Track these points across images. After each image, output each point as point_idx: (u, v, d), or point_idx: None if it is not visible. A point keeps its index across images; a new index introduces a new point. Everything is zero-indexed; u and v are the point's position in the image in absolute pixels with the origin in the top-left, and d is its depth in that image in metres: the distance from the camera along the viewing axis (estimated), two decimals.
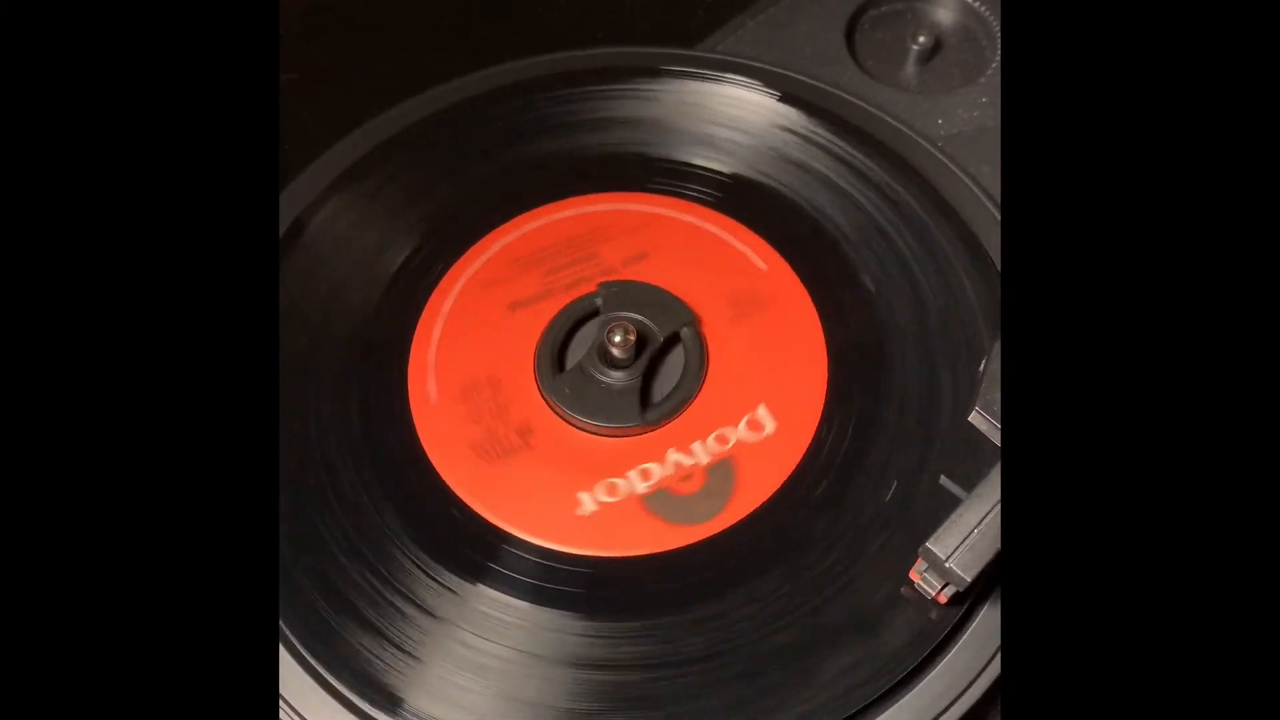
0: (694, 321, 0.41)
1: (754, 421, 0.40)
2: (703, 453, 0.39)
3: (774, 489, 0.38)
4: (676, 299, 0.41)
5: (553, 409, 0.40)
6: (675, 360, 0.41)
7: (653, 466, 0.39)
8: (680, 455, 0.39)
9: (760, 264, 0.43)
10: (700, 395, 0.40)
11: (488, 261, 0.43)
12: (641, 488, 0.39)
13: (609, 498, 0.38)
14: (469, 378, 0.41)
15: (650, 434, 0.40)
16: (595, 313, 0.42)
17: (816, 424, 0.39)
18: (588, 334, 0.42)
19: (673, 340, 0.41)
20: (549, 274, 0.43)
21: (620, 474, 0.39)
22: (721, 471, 0.39)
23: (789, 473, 0.38)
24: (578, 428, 0.40)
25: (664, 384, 0.41)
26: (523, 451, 0.39)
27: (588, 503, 0.38)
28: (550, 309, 0.42)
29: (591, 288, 0.42)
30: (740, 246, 0.44)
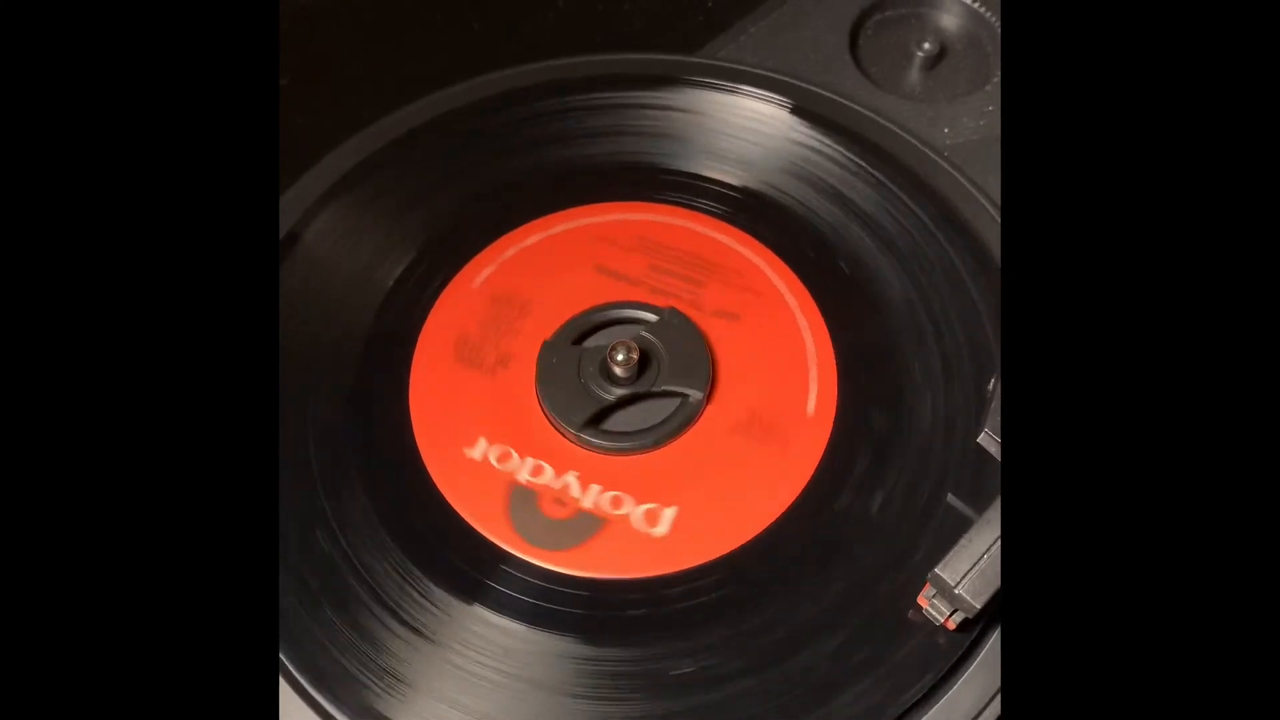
0: (702, 399, 0.40)
1: (652, 515, 0.38)
2: (589, 498, 0.38)
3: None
4: (709, 365, 0.40)
5: (590, 449, 0.39)
6: (659, 410, 0.40)
7: (547, 469, 0.38)
8: (575, 482, 0.38)
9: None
10: (644, 458, 0.39)
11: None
12: (522, 477, 0.38)
13: (495, 461, 0.38)
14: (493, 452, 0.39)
15: (579, 449, 0.39)
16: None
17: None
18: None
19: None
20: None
21: (521, 454, 0.38)
22: (587, 524, 0.37)
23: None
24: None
25: (631, 419, 0.40)
26: (489, 374, 0.40)
27: (479, 450, 0.38)
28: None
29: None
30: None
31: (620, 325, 0.41)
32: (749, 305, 0.42)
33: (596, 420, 0.39)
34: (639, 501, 0.38)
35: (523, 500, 0.38)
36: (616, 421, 0.40)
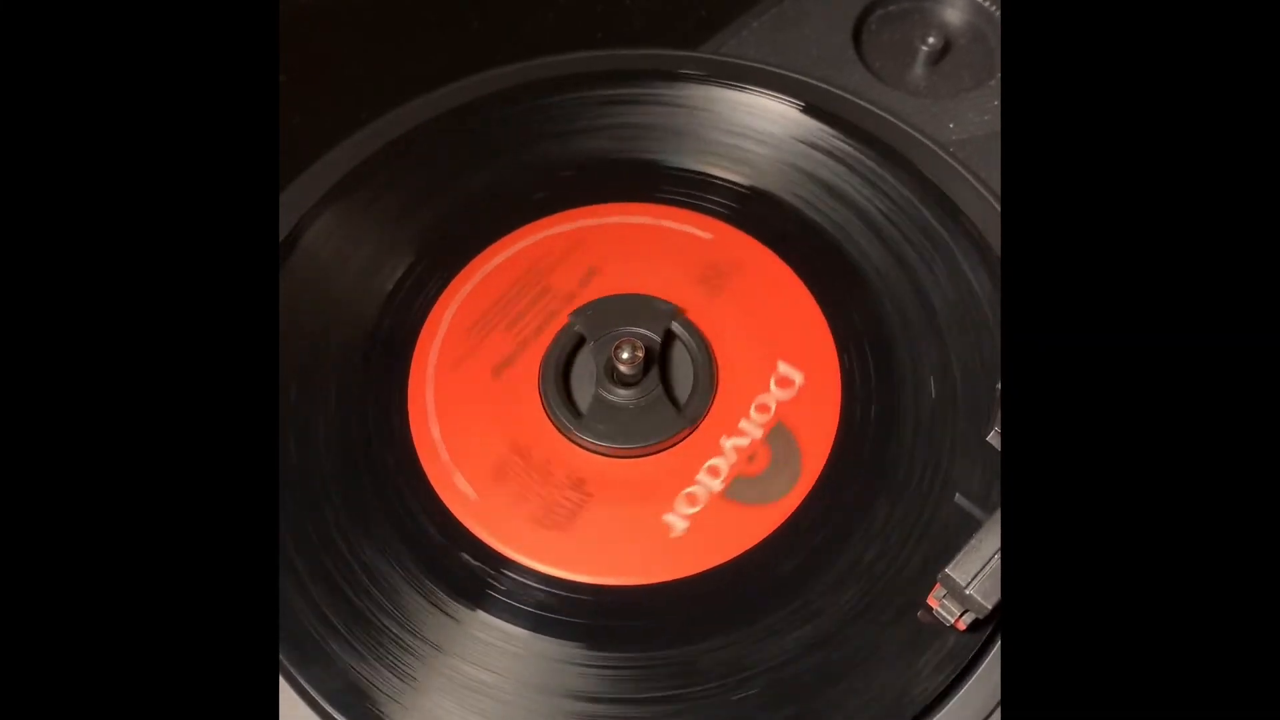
0: (677, 311, 0.40)
1: (782, 379, 0.39)
2: (753, 427, 0.38)
3: (832, 435, 0.38)
4: (651, 297, 0.41)
5: (594, 451, 0.39)
6: (678, 357, 0.41)
7: (717, 461, 0.38)
8: (735, 439, 0.38)
9: (703, 234, 0.43)
10: (721, 378, 0.39)
11: (450, 331, 0.41)
12: (717, 485, 0.38)
13: (693, 508, 0.37)
14: (493, 458, 0.39)
15: (695, 434, 0.39)
16: (581, 342, 0.40)
17: (839, 369, 0.40)
18: (583, 366, 0.40)
19: (669, 339, 0.40)
20: (510, 327, 0.41)
21: (691, 481, 0.38)
22: (780, 438, 0.38)
23: (838, 415, 0.39)
24: (627, 458, 0.38)
25: (681, 383, 0.40)
26: (587, 505, 0.38)
27: (677, 523, 0.37)
28: (532, 360, 0.40)
29: (561, 321, 0.41)
30: (679, 227, 0.43)
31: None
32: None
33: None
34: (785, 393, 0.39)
35: (741, 487, 0.38)
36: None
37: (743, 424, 0.39)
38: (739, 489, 0.37)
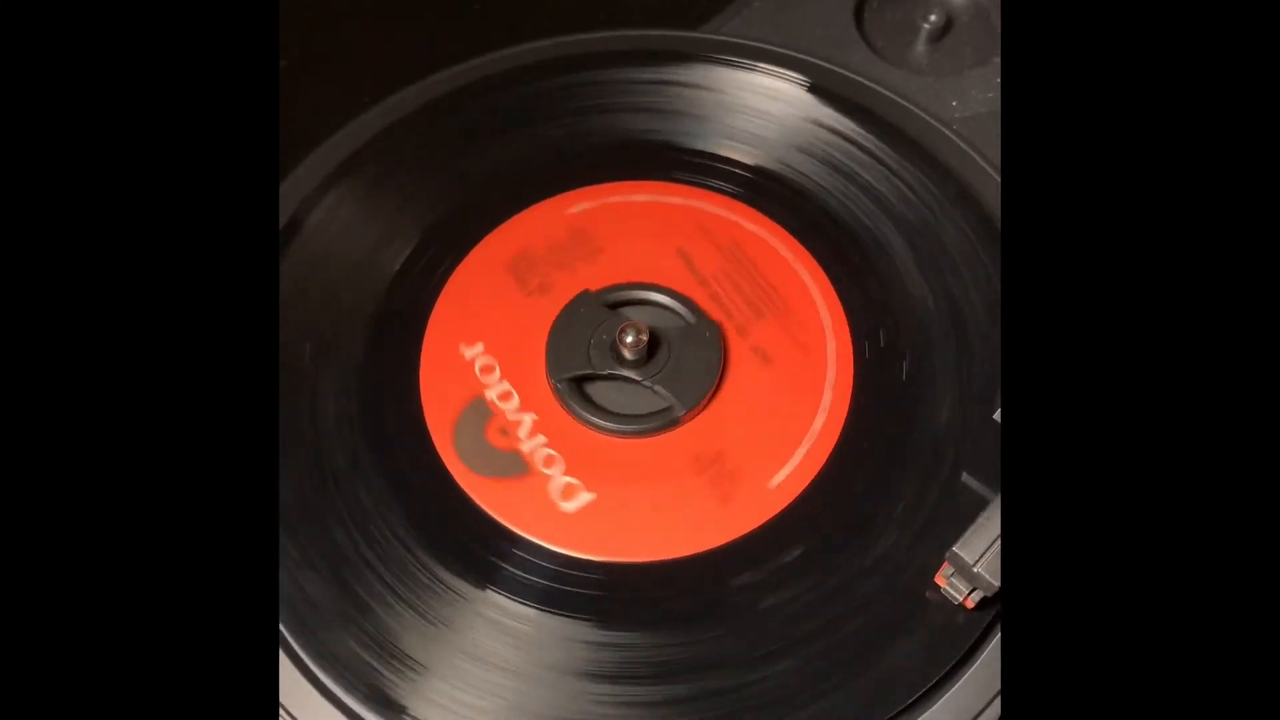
0: (684, 413, 0.38)
1: (569, 489, 0.37)
2: (530, 443, 0.38)
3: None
4: (709, 387, 0.39)
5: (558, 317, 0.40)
6: (645, 403, 0.39)
7: (515, 398, 0.39)
8: (529, 423, 0.39)
9: (774, 480, 0.38)
10: (600, 438, 0.38)
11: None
12: (489, 394, 0.39)
13: (478, 370, 0.40)
14: (537, 240, 0.42)
15: (552, 400, 0.39)
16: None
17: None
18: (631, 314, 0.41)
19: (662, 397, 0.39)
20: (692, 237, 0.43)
21: (503, 374, 0.39)
22: (512, 463, 0.38)
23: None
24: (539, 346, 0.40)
25: (615, 398, 0.40)
26: (527, 294, 0.41)
27: (474, 351, 0.40)
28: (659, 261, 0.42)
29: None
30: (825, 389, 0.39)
31: (661, 310, 0.41)
32: (788, 354, 0.40)
33: (580, 381, 0.39)
34: (567, 471, 0.38)
35: (476, 414, 0.38)
36: (602, 392, 0.40)
37: (540, 436, 0.38)
38: (473, 411, 0.39)
